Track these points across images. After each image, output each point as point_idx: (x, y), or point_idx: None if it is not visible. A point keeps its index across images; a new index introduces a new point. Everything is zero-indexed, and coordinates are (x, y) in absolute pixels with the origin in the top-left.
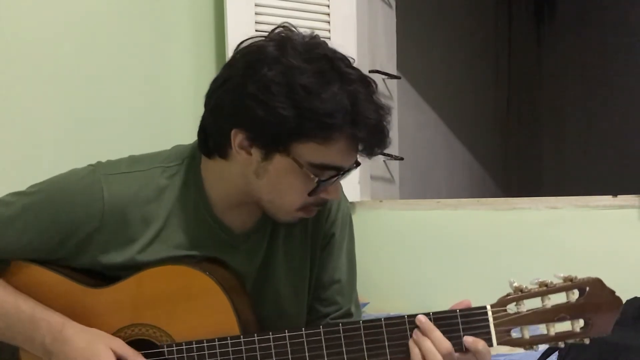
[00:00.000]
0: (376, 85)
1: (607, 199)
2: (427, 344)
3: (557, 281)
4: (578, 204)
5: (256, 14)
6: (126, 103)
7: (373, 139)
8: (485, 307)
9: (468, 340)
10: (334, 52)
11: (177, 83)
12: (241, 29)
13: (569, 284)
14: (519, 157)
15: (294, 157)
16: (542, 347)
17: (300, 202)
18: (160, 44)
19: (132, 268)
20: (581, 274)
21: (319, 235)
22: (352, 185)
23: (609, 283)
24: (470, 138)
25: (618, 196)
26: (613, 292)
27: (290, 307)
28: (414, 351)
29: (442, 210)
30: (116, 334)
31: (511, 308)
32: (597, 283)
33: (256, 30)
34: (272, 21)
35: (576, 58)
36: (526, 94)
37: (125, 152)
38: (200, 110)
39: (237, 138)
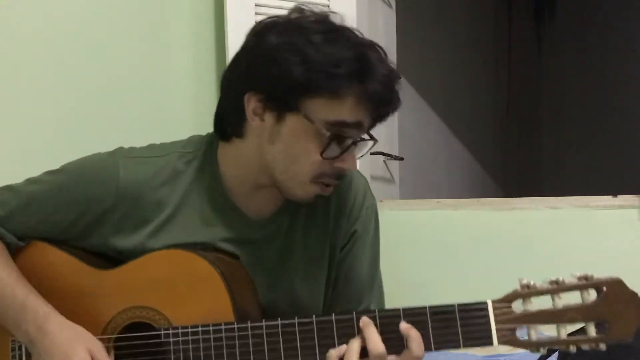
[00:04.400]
0: (386, 54)
1: (607, 199)
2: (353, 344)
3: (571, 280)
4: (578, 204)
5: (256, 14)
6: (126, 103)
7: (383, 94)
8: (485, 302)
9: (403, 326)
10: (344, 23)
11: (176, 83)
12: (241, 29)
13: (584, 282)
14: (519, 157)
15: (305, 114)
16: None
17: (315, 168)
18: (160, 44)
19: (140, 254)
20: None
21: (340, 232)
22: None
23: None
24: (471, 138)
25: (618, 196)
26: (635, 294)
27: (304, 299)
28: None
29: (442, 210)
30: (119, 314)
31: (517, 307)
32: (616, 283)
33: None
34: None
35: (576, 58)
36: (526, 94)
37: None
38: (200, 110)
39: (251, 103)
